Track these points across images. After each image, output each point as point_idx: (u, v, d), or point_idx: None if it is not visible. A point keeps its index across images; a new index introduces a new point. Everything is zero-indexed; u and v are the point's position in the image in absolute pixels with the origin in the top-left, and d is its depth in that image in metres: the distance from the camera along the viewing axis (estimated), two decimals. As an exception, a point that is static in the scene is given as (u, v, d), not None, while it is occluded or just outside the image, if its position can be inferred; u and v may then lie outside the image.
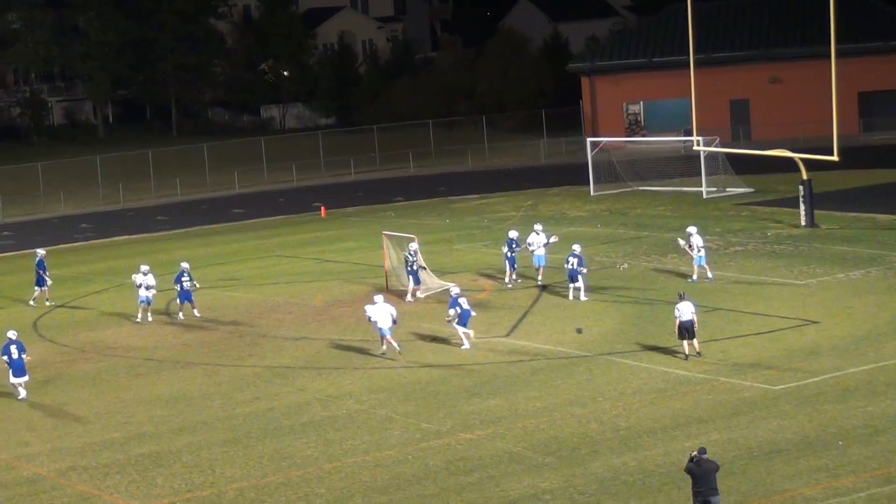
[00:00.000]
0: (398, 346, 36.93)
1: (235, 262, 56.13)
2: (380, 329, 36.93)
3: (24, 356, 35.39)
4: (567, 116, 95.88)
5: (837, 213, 56.33)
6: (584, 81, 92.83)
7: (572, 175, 74.36)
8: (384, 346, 37.06)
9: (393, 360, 36.63)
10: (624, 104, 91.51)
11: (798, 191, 54.69)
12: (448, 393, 33.16)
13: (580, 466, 26.99)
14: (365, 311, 37.56)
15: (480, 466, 27.43)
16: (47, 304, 48.41)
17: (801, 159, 55.04)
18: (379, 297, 37.56)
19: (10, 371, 35.35)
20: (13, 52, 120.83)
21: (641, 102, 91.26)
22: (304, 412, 32.37)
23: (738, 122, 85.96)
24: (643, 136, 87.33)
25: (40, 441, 31.63)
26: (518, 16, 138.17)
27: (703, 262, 44.32)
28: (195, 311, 44.37)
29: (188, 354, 39.51)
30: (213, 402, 33.98)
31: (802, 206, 54.19)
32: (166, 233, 68.50)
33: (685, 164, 69.02)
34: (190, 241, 64.62)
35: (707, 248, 49.64)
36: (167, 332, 42.88)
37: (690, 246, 44.31)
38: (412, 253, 44.19)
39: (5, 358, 35.29)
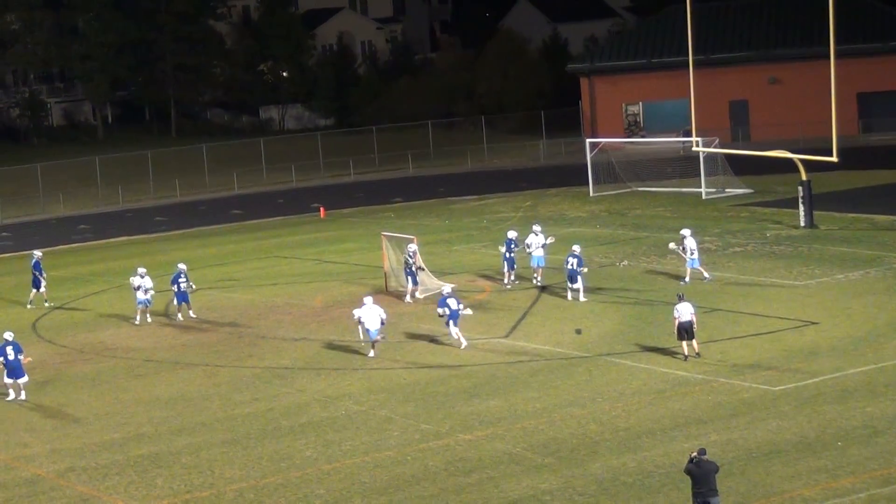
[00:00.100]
0: (375, 351, 36.95)
1: (234, 263, 56.12)
2: (367, 331, 36.95)
3: (21, 357, 35.37)
4: (566, 117, 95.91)
5: (837, 214, 56.35)
6: (584, 82, 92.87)
7: (571, 176, 74.38)
8: (372, 352, 37.06)
9: (365, 354, 36.92)
10: (623, 105, 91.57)
11: (797, 191, 54.70)
12: (447, 394, 33.16)
13: (579, 467, 26.99)
14: (353, 315, 37.56)
15: (480, 467, 27.43)
16: (46, 304, 48.40)
17: (801, 160, 55.05)
18: (368, 299, 37.60)
19: (5, 372, 35.33)
20: (12, 52, 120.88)
21: (640, 103, 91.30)
22: (303, 413, 32.36)
23: (738, 123, 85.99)
24: (642, 136, 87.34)
25: (39, 442, 31.62)
26: (517, 16, 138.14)
27: (697, 265, 44.31)
28: (191, 312, 44.37)
29: (187, 355, 39.50)
30: (213, 402, 33.98)
31: (802, 207, 54.20)
32: (165, 234, 68.50)
33: (684, 165, 69.06)
34: (189, 241, 64.62)
35: (706, 249, 49.83)
36: (166, 334, 42.88)
37: (683, 249, 44.31)
38: (411, 254, 44.20)
39: (0, 359, 35.26)
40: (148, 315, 44.29)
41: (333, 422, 31.42)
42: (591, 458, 27.51)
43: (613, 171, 70.05)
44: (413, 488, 26.49)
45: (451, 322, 37.45)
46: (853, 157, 65.98)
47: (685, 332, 34.21)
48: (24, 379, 35.42)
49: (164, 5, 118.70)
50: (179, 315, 44.33)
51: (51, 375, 38.00)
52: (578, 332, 38.41)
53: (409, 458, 28.38)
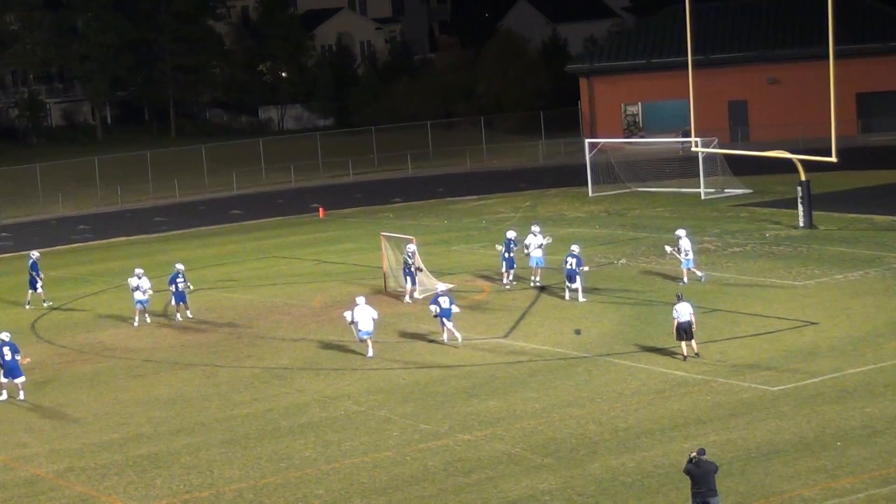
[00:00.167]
0: (373, 350, 37.06)
1: (234, 264, 56.12)
2: (360, 332, 37.03)
3: (18, 357, 35.36)
4: (565, 117, 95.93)
5: (836, 215, 56.35)
6: (583, 82, 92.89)
7: (571, 176, 74.39)
8: (371, 350, 37.13)
9: (364, 355, 36.99)
10: (622, 105, 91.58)
11: (796, 192, 54.68)
12: (446, 394, 33.16)
13: (579, 467, 26.99)
14: (344, 317, 37.61)
15: (479, 467, 27.42)
16: (45, 305, 48.40)
17: (800, 160, 55.05)
18: (361, 299, 37.66)
19: (2, 372, 35.31)
20: (11, 53, 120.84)
21: (640, 103, 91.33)
22: (302, 413, 32.36)
23: (737, 123, 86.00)
24: (641, 137, 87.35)
25: (38, 442, 31.62)
26: (516, 17, 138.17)
27: (692, 266, 44.31)
28: (188, 313, 44.36)
29: (186, 356, 39.50)
30: (212, 403, 33.97)
31: (801, 207, 54.19)
32: (164, 234, 68.50)
33: (683, 165, 69.05)
34: (188, 242, 64.62)
35: (706, 250, 49.86)
36: (165, 334, 42.88)
37: (678, 249, 44.32)
38: (410, 255, 44.21)
39: None
40: (147, 315, 44.29)
41: (332, 422, 31.41)
42: (590, 458, 27.51)
43: (612, 172, 70.06)
44: (412, 488, 26.49)
45: (444, 320, 37.60)
46: (852, 158, 66.01)
47: (684, 332, 34.21)
48: (22, 379, 35.41)
49: (163, 6, 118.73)
50: (178, 315, 44.33)
51: (50, 376, 38.00)
52: (577, 332, 38.42)
53: (408, 458, 28.38)
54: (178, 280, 44.10)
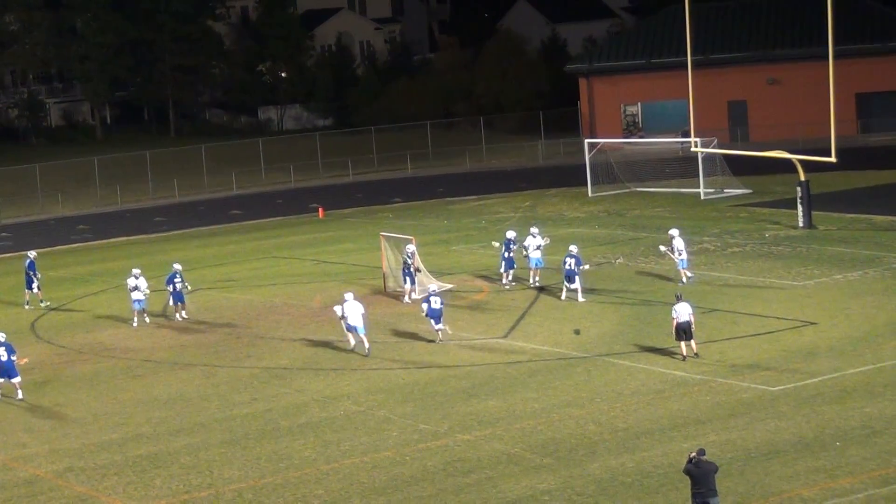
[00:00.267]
0: (368, 346, 37.19)
1: (233, 264, 56.11)
2: (351, 326, 37.39)
3: (14, 358, 35.33)
4: (565, 118, 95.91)
5: (835, 215, 56.35)
6: (582, 82, 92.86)
7: (570, 176, 74.36)
8: (353, 342, 37.59)
9: (361, 354, 37.16)
10: (622, 105, 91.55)
11: (796, 192, 54.68)
12: (446, 394, 33.16)
13: (578, 467, 26.99)
14: (335, 311, 37.86)
15: (478, 468, 27.43)
16: (42, 305, 48.40)
17: (799, 160, 55.04)
18: (349, 295, 38.08)
19: None
20: (11, 53, 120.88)
21: (639, 103, 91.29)
22: (301, 413, 32.36)
23: (736, 124, 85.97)
24: (641, 137, 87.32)
25: (38, 442, 31.62)
26: (516, 17, 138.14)
27: (685, 266, 44.28)
28: (184, 313, 44.31)
29: (186, 356, 39.50)
30: (211, 403, 33.97)
31: (800, 208, 54.19)
32: (164, 234, 68.49)
33: (683, 166, 69.05)
34: (188, 242, 64.61)
35: (705, 250, 49.86)
36: (165, 334, 42.87)
37: (672, 249, 44.32)
38: (409, 255, 44.22)
39: None
40: (146, 315, 44.28)
41: (332, 422, 31.41)
42: (589, 458, 27.51)
43: (612, 172, 70.05)
44: (411, 488, 26.49)
45: (432, 320, 37.92)
46: (852, 158, 65.99)
47: (683, 332, 34.21)
48: (18, 379, 35.37)
49: (162, 6, 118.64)
50: (177, 315, 44.32)
51: (49, 376, 38.00)
52: (577, 332, 38.43)
53: (407, 458, 28.38)
54: (175, 280, 44.10)
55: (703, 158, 64.53)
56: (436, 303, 38.01)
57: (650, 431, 28.88)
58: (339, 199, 75.80)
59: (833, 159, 52.10)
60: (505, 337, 38.85)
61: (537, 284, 45.37)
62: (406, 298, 44.33)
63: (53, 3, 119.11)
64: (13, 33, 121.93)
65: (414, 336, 39.37)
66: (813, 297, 41.20)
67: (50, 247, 64.05)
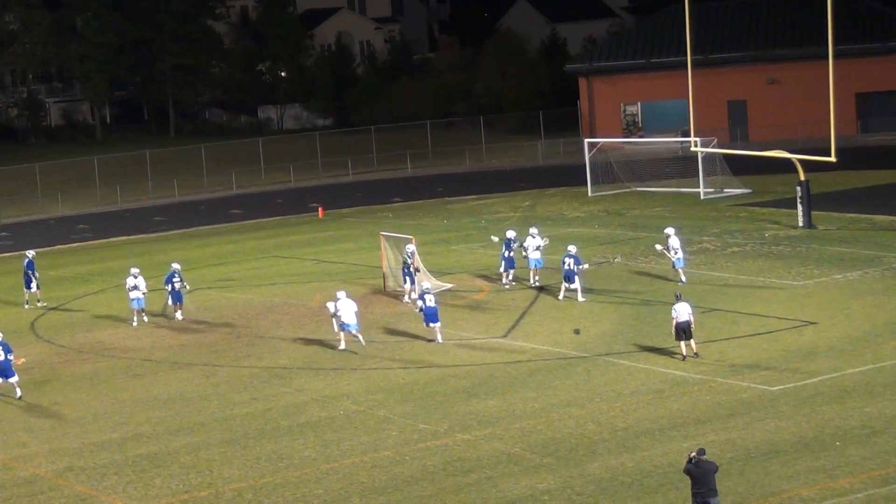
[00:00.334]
0: (363, 340, 37.50)
1: (233, 263, 56.11)
2: (343, 325, 37.46)
3: (11, 357, 35.31)
4: (565, 117, 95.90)
5: (835, 214, 56.35)
6: (582, 82, 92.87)
7: (570, 176, 74.37)
8: (344, 344, 37.62)
9: (355, 353, 37.25)
10: (621, 105, 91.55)
11: (796, 192, 54.68)
12: (445, 394, 33.16)
13: (578, 467, 26.98)
14: (327, 308, 37.96)
15: (478, 467, 27.42)
16: (39, 304, 48.41)
17: (799, 160, 55.04)
18: (342, 293, 38.21)
19: None
20: (11, 52, 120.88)
21: (639, 103, 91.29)
22: (301, 413, 32.36)
23: (736, 123, 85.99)
24: (641, 136, 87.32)
25: (38, 442, 31.61)
26: (516, 16, 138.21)
27: (681, 265, 44.25)
28: (179, 314, 44.25)
29: (185, 355, 39.50)
30: (211, 402, 33.97)
31: (800, 207, 54.19)
32: (164, 233, 68.49)
33: (683, 165, 69.04)
34: (187, 241, 64.61)
35: (705, 249, 49.86)
36: (164, 334, 42.87)
37: (668, 248, 44.28)
38: (409, 255, 44.22)
39: None
40: (145, 315, 44.28)
41: (332, 422, 31.41)
42: (589, 458, 27.51)
43: (612, 172, 70.05)
44: (411, 488, 26.49)
45: (428, 318, 37.95)
46: (851, 158, 65.99)
47: (683, 332, 34.20)
48: (15, 378, 35.32)
49: (162, 5, 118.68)
50: (177, 315, 44.32)
51: (49, 375, 38.00)
52: (577, 332, 38.42)
53: (407, 458, 28.38)
54: (174, 280, 44.08)
55: (703, 158, 64.52)
56: (430, 301, 37.98)
57: (650, 431, 28.87)
58: (339, 198, 75.80)
59: (833, 159, 52.09)
60: (505, 337, 38.85)
61: (537, 284, 45.37)
62: (406, 298, 44.30)
63: (53, 2, 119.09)
64: (13, 32, 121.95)
65: (414, 336, 39.35)
66: (813, 296, 41.20)
67: (50, 246, 64.07)
